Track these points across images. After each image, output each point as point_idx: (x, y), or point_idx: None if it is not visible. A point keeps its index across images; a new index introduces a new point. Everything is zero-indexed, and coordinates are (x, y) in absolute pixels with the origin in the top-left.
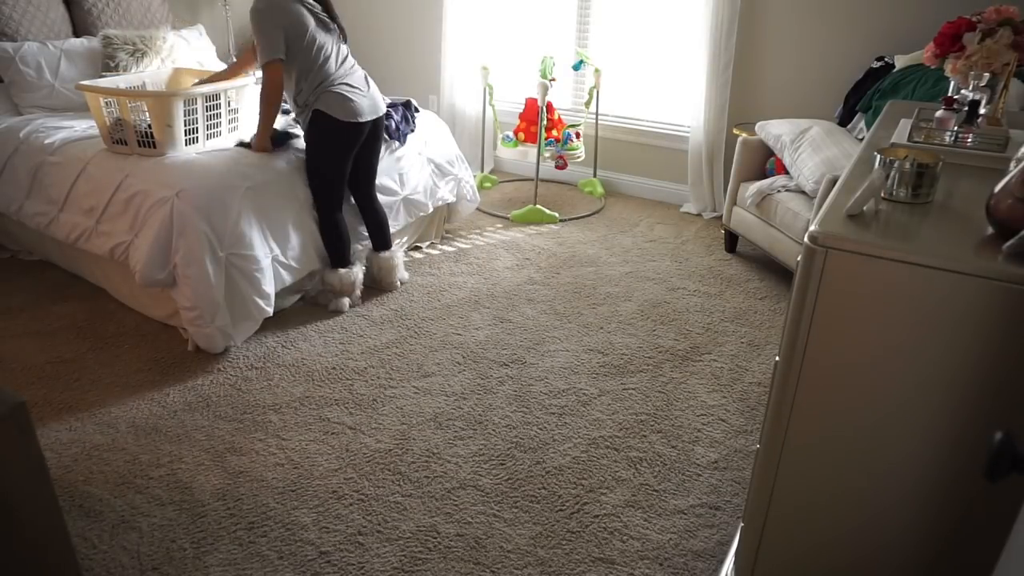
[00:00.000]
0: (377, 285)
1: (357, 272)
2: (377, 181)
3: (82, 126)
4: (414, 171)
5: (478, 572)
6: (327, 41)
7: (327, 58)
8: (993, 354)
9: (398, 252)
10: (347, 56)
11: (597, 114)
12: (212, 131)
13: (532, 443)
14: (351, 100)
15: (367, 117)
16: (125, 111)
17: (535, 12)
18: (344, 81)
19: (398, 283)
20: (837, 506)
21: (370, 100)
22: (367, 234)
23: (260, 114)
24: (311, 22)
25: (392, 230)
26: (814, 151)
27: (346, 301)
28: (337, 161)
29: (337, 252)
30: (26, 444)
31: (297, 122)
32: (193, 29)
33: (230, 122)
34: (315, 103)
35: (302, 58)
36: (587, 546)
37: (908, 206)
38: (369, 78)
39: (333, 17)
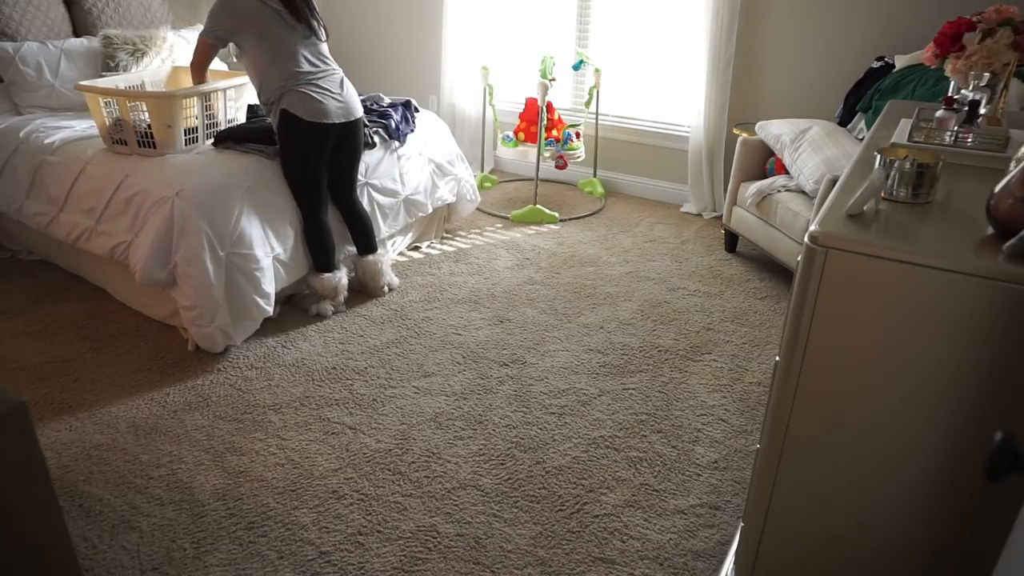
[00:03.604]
0: (364, 291)
1: (340, 277)
2: (377, 181)
3: (82, 126)
4: (414, 171)
5: (478, 572)
6: (291, 40)
7: (291, 57)
8: (993, 354)
9: (385, 256)
10: (323, 57)
11: (597, 114)
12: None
13: (532, 443)
14: (318, 101)
15: (334, 120)
16: (125, 111)
17: (535, 12)
18: (313, 82)
19: (386, 288)
20: (837, 506)
21: (342, 103)
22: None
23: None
24: (272, 20)
25: (392, 230)
26: (814, 151)
27: (328, 306)
28: (306, 162)
29: (318, 256)
30: (26, 444)
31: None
32: (193, 29)
33: (228, 121)
34: (281, 102)
35: (261, 55)
36: (587, 546)
37: (908, 206)
38: (347, 82)
39: (300, 16)
